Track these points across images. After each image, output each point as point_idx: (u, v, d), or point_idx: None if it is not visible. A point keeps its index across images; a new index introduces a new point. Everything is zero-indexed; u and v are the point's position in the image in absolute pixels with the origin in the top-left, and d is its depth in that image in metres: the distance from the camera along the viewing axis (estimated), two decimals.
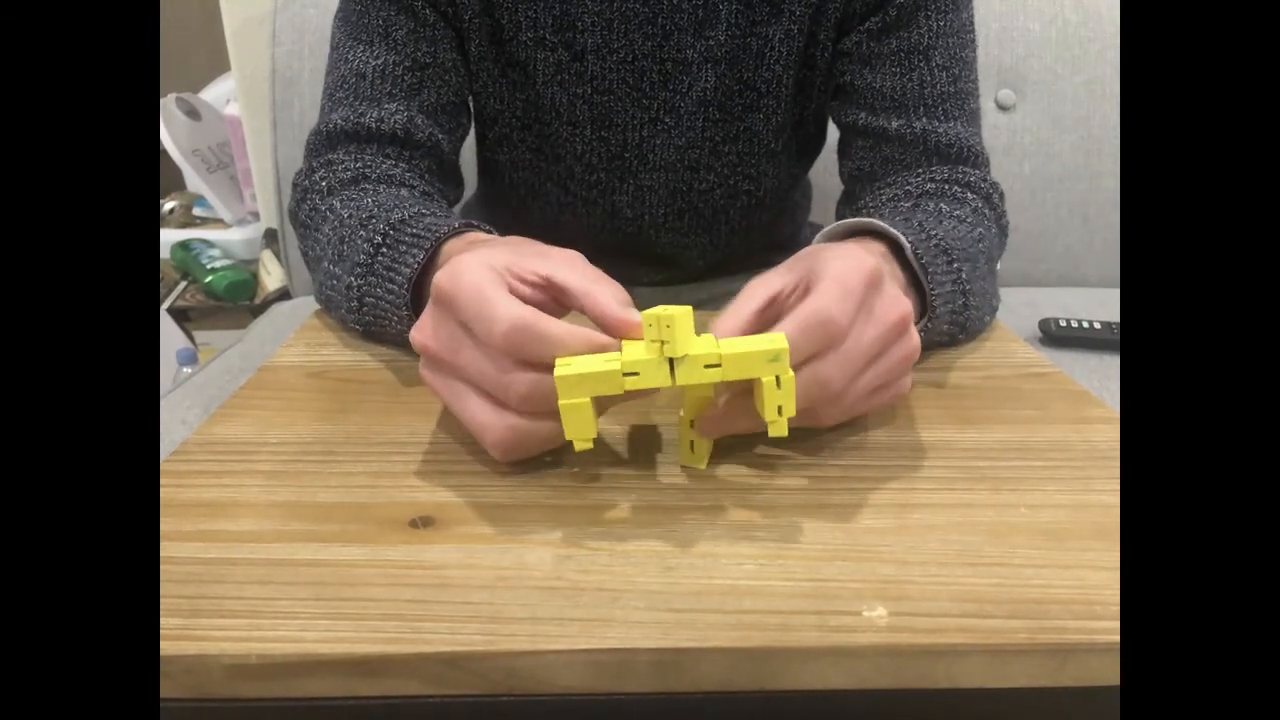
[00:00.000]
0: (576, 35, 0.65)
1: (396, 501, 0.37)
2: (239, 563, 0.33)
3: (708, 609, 0.30)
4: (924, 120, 0.64)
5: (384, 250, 0.50)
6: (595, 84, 0.67)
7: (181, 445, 0.41)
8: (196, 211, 1.77)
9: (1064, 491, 0.38)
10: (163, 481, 0.38)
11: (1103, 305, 0.99)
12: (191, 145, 1.64)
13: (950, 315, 0.50)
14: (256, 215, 1.69)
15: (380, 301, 0.51)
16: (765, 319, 0.39)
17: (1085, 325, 0.88)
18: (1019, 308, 0.96)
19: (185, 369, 1.36)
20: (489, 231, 0.51)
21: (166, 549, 0.33)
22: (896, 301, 0.39)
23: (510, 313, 0.35)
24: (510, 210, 0.78)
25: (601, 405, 0.38)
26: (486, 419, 0.37)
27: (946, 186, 0.61)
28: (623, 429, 0.43)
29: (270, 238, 1.53)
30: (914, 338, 0.40)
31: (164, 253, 1.68)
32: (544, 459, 0.40)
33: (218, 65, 1.69)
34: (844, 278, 0.37)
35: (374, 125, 0.63)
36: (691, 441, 0.39)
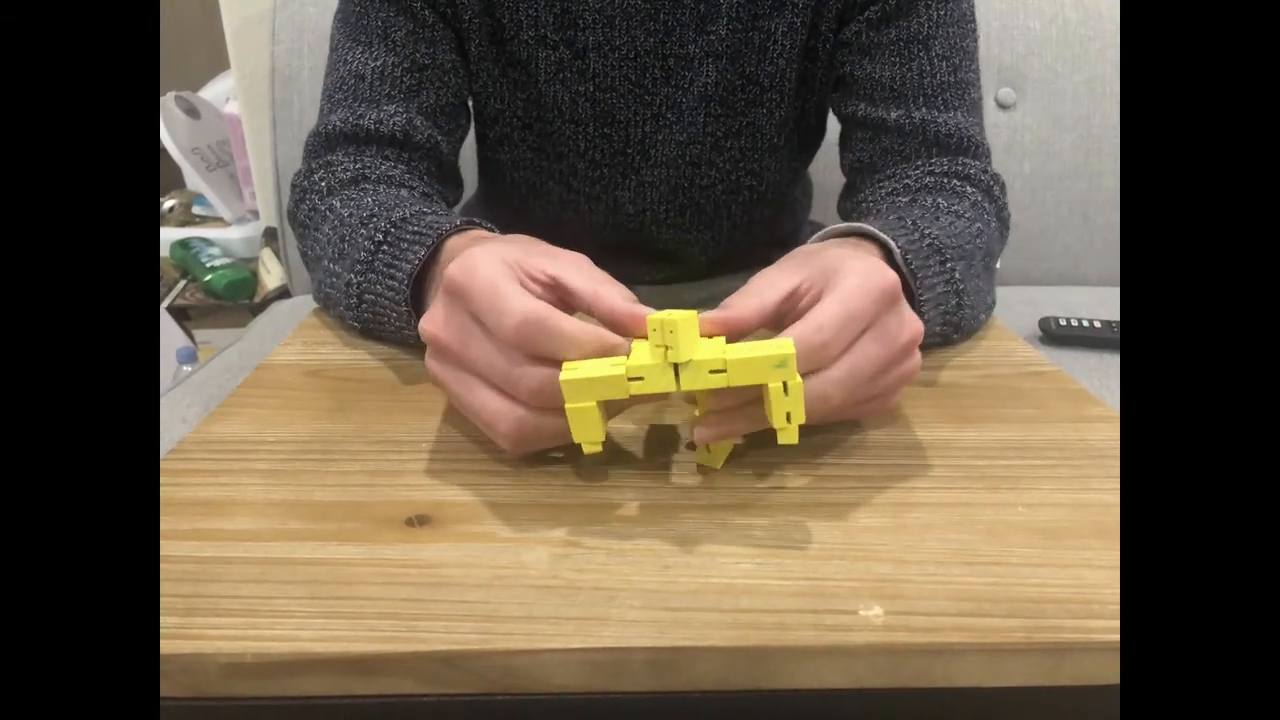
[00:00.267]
0: (578, 33, 0.65)
1: (393, 500, 0.37)
2: (235, 561, 0.33)
3: (704, 608, 0.30)
4: (923, 110, 0.64)
5: (385, 248, 0.50)
6: (597, 81, 0.67)
7: (178, 444, 0.41)
8: (196, 210, 1.77)
9: (1062, 490, 0.38)
10: (160, 480, 0.38)
11: (1102, 304, 0.99)
12: (191, 143, 1.64)
13: (943, 316, 0.50)
14: (256, 214, 1.69)
15: (380, 298, 0.51)
16: (781, 311, 0.39)
17: (1085, 324, 0.88)
18: (1019, 306, 0.96)
19: (185, 367, 1.36)
20: (491, 229, 0.51)
21: (163, 547, 0.33)
22: (909, 323, 0.40)
23: (523, 306, 0.35)
24: (511, 209, 0.78)
25: (612, 409, 0.38)
26: (498, 409, 0.37)
27: (945, 180, 0.61)
28: (623, 428, 0.43)
29: (270, 236, 1.53)
30: (917, 358, 0.41)
31: (164, 251, 1.68)
32: (546, 455, 0.40)
33: (217, 64, 1.69)
34: (853, 295, 0.37)
35: (373, 127, 0.63)
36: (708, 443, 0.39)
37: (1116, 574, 0.32)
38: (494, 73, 0.69)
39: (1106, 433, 0.43)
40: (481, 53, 0.68)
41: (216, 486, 0.38)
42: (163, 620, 0.29)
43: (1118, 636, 0.29)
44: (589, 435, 0.35)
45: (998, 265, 0.61)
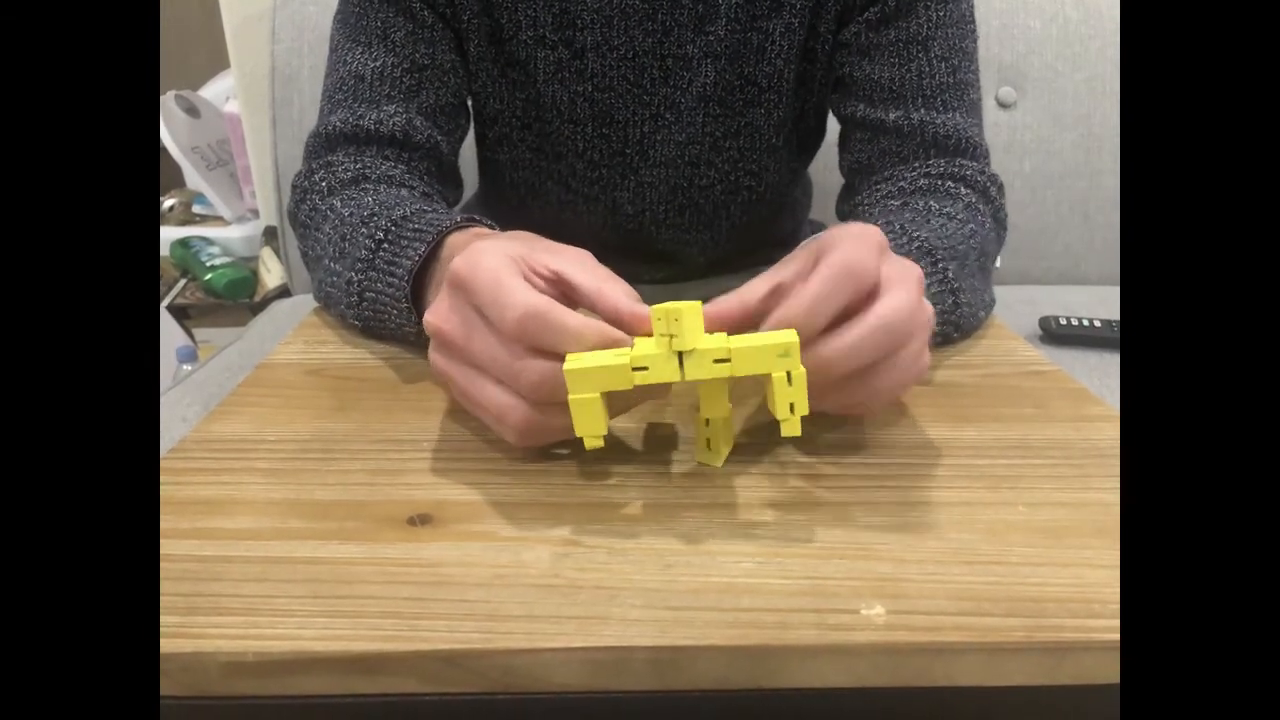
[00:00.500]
0: (576, 33, 0.65)
1: (394, 499, 0.37)
2: (236, 560, 0.33)
3: (705, 607, 0.30)
4: (922, 111, 0.63)
5: (386, 246, 0.51)
6: (596, 81, 0.67)
7: (179, 443, 0.41)
8: (196, 209, 1.76)
9: (1063, 490, 0.38)
10: (161, 479, 0.38)
11: (1103, 303, 0.99)
12: (191, 143, 1.64)
13: (941, 316, 0.50)
14: (256, 213, 1.69)
15: (380, 296, 0.51)
16: (768, 307, 0.39)
17: (1085, 323, 0.88)
18: (1019, 306, 0.96)
19: (185, 366, 1.35)
20: (491, 226, 0.51)
21: (164, 546, 0.33)
22: (910, 266, 0.39)
23: (525, 300, 0.35)
24: (511, 209, 0.78)
25: (616, 406, 0.38)
26: (502, 402, 0.37)
27: (939, 182, 0.61)
28: (624, 426, 0.43)
29: (270, 235, 1.53)
30: (926, 356, 0.39)
31: (164, 250, 1.68)
32: (547, 454, 0.40)
33: (217, 63, 1.68)
34: (862, 237, 0.36)
35: (373, 127, 0.63)
36: (708, 439, 0.39)
37: (1117, 573, 0.32)
38: (493, 73, 0.69)
39: (1107, 432, 0.43)
40: (480, 53, 0.68)
41: (217, 485, 0.38)
42: (164, 619, 0.29)
43: (1118, 636, 0.29)
44: (591, 428, 0.35)
45: (997, 265, 0.61)
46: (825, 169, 0.85)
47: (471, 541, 0.34)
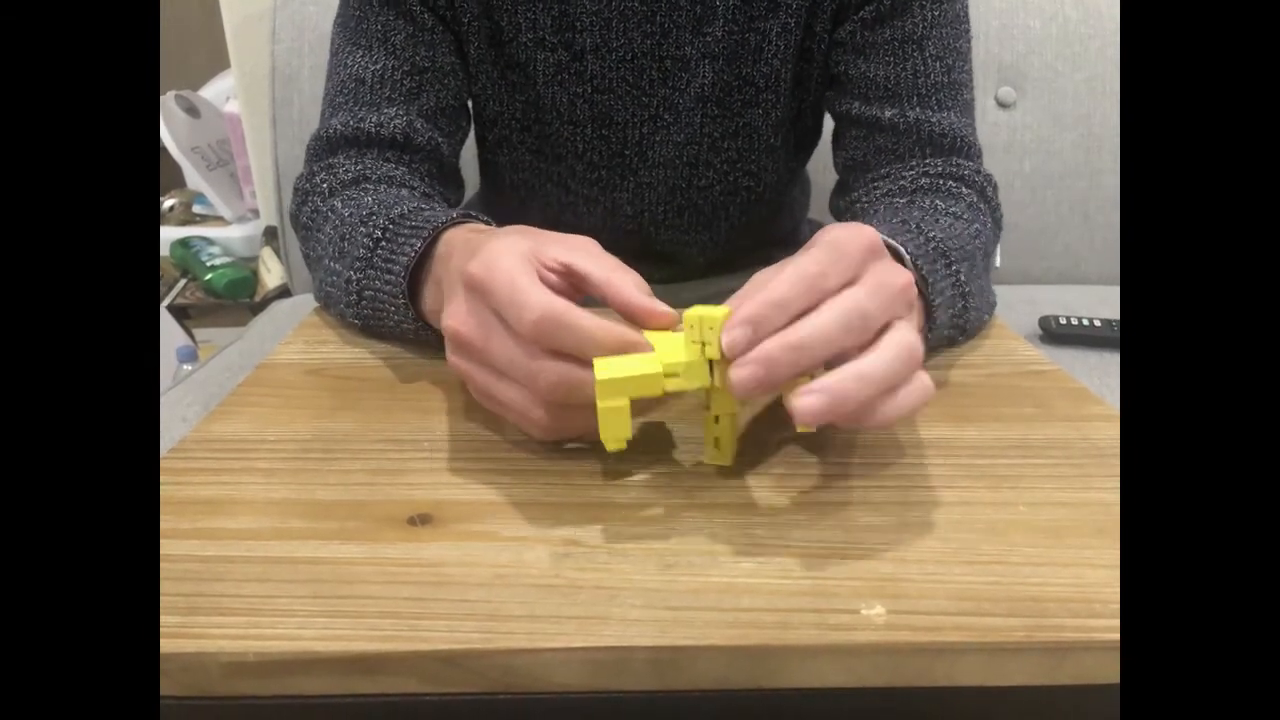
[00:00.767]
0: (576, 35, 0.65)
1: (394, 499, 0.37)
2: (237, 560, 0.33)
3: (705, 607, 0.30)
4: (917, 110, 0.64)
5: (383, 244, 0.51)
6: (595, 83, 0.67)
7: (179, 443, 0.41)
8: (196, 209, 1.77)
9: (1063, 489, 0.38)
10: (161, 479, 0.38)
11: (1103, 303, 0.99)
12: (191, 143, 1.64)
13: (951, 320, 0.50)
14: (256, 212, 1.69)
15: (379, 293, 0.51)
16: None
17: (1085, 323, 0.88)
18: (1019, 305, 0.96)
19: (185, 366, 1.36)
20: (487, 222, 0.52)
21: (164, 546, 0.33)
22: (898, 272, 0.37)
23: (541, 302, 0.35)
24: (511, 211, 0.78)
25: (637, 407, 0.38)
26: (524, 403, 0.38)
27: (941, 181, 0.61)
28: None
29: (270, 235, 1.53)
30: (928, 382, 0.36)
31: (164, 250, 1.68)
32: (550, 453, 0.40)
33: (217, 62, 1.68)
34: (838, 241, 0.35)
35: (373, 130, 0.63)
36: (716, 439, 0.39)
37: (1117, 573, 0.32)
38: (493, 75, 0.69)
39: (1107, 431, 0.43)
40: (480, 55, 0.68)
41: (218, 485, 0.38)
42: (165, 619, 0.29)
43: (1118, 636, 0.29)
44: (617, 434, 0.35)
45: (997, 264, 0.61)
46: (824, 169, 0.85)
47: (472, 541, 0.34)
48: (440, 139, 0.66)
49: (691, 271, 0.80)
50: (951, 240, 0.51)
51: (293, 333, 0.56)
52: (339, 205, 0.57)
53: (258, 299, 1.57)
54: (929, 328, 0.48)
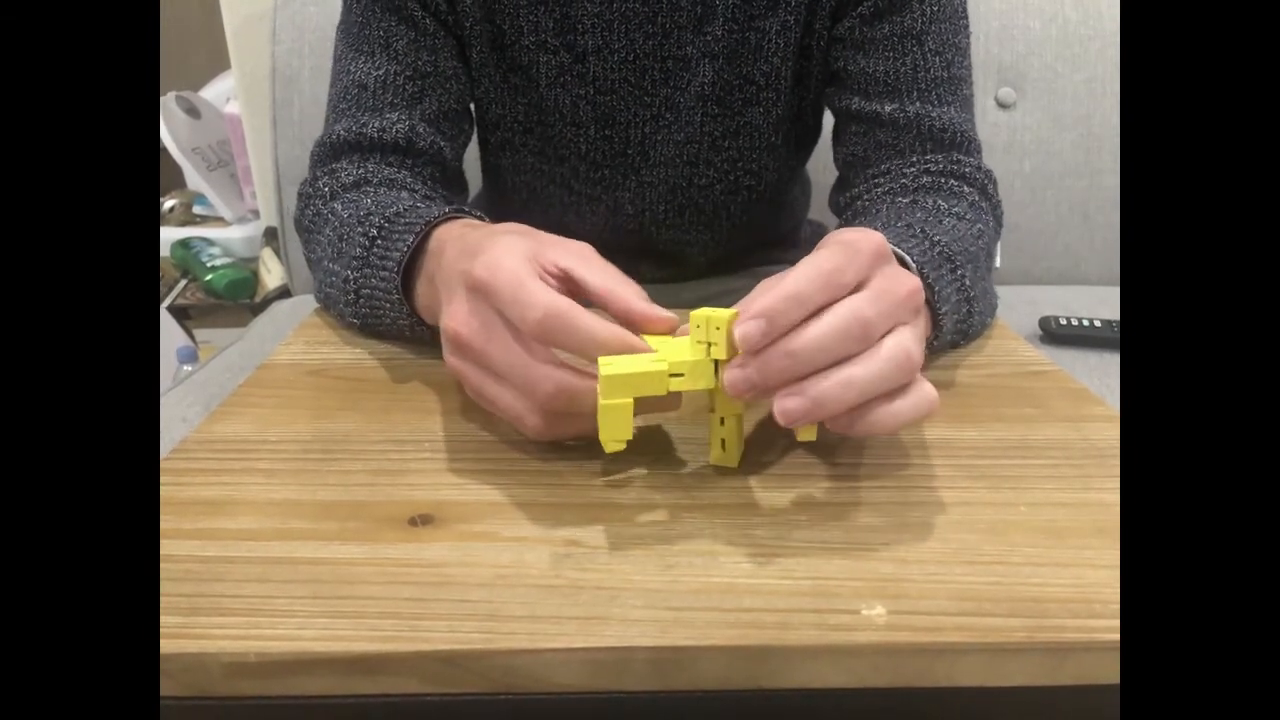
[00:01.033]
0: (578, 37, 0.66)
1: (395, 499, 0.37)
2: (238, 561, 0.33)
3: (706, 607, 0.30)
4: (917, 105, 0.64)
5: (379, 242, 0.51)
6: (597, 84, 0.67)
7: (180, 443, 0.41)
8: (196, 209, 1.77)
9: (1063, 490, 0.38)
10: (162, 479, 0.38)
11: (1103, 303, 0.99)
12: (191, 143, 1.64)
13: (955, 325, 0.50)
14: (257, 213, 1.69)
15: (375, 291, 0.51)
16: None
17: (1085, 323, 0.88)
18: (1019, 306, 0.96)
19: (185, 367, 1.36)
20: (480, 218, 0.52)
21: (165, 547, 0.33)
22: (904, 278, 0.37)
23: (546, 300, 0.35)
24: (513, 212, 0.78)
25: (638, 409, 0.38)
26: (520, 409, 0.38)
27: (943, 180, 0.61)
28: None
29: (270, 235, 1.53)
30: (932, 392, 0.36)
31: (164, 251, 1.68)
32: (550, 454, 0.40)
33: (218, 63, 1.68)
34: (852, 241, 0.35)
35: (376, 135, 0.63)
36: (722, 440, 0.39)
37: (1117, 573, 0.32)
38: (495, 78, 0.69)
39: (1107, 432, 0.43)
40: (483, 59, 0.68)
41: (218, 486, 0.38)
42: (165, 620, 0.29)
43: (1118, 636, 0.29)
44: (617, 433, 0.35)
45: (997, 264, 0.61)
46: (824, 168, 0.85)
47: (472, 542, 0.34)
48: (443, 143, 0.66)
49: (692, 271, 0.80)
50: (956, 244, 0.51)
51: (293, 333, 0.56)
52: (339, 208, 0.57)
53: (258, 300, 1.57)
54: (935, 334, 0.48)
